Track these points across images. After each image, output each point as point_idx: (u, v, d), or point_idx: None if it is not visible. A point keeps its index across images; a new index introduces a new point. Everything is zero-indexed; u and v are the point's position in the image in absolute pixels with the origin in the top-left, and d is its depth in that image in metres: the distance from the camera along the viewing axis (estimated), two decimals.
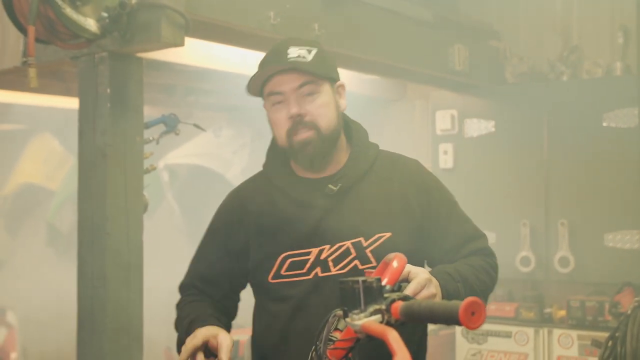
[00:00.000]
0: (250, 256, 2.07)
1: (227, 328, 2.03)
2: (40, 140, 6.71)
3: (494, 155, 5.01)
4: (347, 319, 1.46)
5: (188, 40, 3.39)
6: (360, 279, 1.45)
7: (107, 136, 2.94)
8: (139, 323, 3.04)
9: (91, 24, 2.70)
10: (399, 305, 1.43)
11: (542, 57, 5.06)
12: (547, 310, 4.74)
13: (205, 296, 2.15)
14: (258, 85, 2.03)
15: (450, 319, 1.30)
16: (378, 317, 1.44)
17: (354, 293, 1.45)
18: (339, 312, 1.54)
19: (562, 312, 4.65)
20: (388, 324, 1.43)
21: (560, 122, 4.80)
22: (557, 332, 4.57)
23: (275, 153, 2.13)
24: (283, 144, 2.04)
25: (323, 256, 1.98)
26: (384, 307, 1.44)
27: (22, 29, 2.69)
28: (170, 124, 3.33)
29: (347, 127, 2.14)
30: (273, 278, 2.01)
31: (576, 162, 4.73)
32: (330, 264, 1.97)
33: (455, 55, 4.54)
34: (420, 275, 1.69)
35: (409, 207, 2.04)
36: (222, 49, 3.79)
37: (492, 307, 4.82)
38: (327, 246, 1.98)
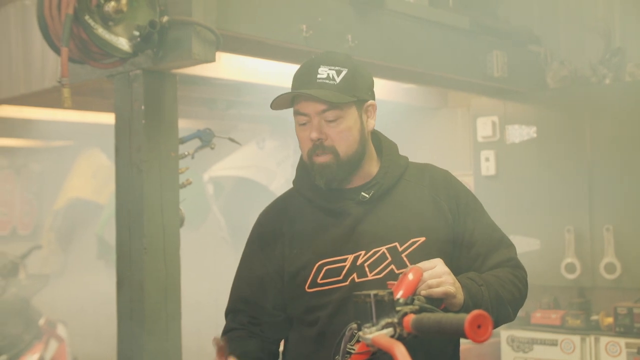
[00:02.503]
0: (285, 269, 2.08)
1: None
2: (89, 155, 6.87)
3: (537, 161, 4.95)
4: (360, 333, 1.48)
5: (224, 54, 3.43)
6: (372, 292, 1.47)
7: (142, 152, 3.00)
8: (178, 336, 3.08)
9: (123, 43, 2.76)
10: (410, 318, 1.44)
11: (584, 61, 4.98)
12: (594, 317, 4.64)
13: (249, 325, 2.12)
14: (287, 101, 2.06)
15: (456, 331, 1.30)
16: (390, 330, 1.45)
17: (366, 307, 1.47)
18: (355, 326, 1.55)
19: (609, 320, 4.54)
20: (400, 337, 1.43)
21: (603, 126, 4.72)
22: (604, 339, 4.47)
23: (304, 167, 2.15)
24: (306, 160, 2.08)
25: (359, 262, 2.00)
26: (395, 320, 1.45)
27: (57, 50, 2.76)
28: (206, 139, 3.37)
29: (378, 140, 2.17)
30: (310, 287, 2.02)
31: (620, 166, 4.64)
32: (367, 269, 1.99)
33: (493, 61, 4.51)
34: (436, 269, 1.78)
35: (441, 211, 2.07)
36: (260, 62, 3.82)
37: (537, 315, 4.76)
38: (363, 252, 2.00)
